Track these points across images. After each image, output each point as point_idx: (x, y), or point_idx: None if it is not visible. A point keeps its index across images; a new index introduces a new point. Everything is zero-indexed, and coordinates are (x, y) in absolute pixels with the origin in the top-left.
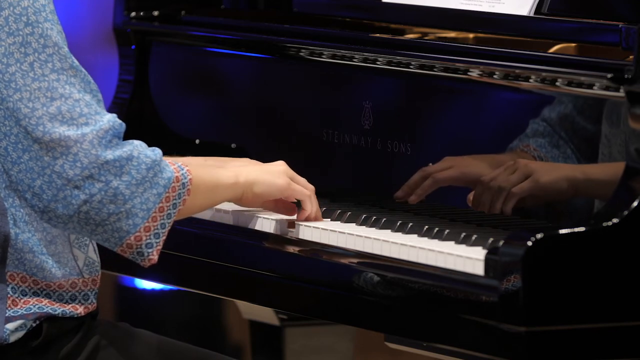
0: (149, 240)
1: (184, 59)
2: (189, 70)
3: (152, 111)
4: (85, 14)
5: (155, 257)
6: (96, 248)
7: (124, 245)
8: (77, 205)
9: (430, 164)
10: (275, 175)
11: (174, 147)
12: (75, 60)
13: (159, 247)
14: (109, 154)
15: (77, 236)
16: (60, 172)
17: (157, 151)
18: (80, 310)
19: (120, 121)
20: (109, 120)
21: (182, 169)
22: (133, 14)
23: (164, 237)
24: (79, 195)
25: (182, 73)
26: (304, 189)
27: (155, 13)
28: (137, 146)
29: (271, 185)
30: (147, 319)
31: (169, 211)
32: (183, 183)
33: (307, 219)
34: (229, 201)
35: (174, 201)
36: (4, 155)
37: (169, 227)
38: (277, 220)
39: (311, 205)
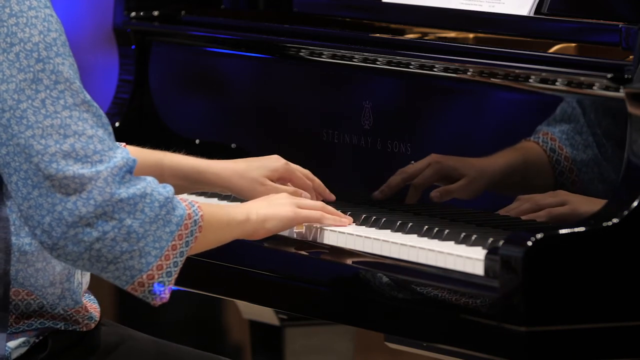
0: (161, 279)
1: (184, 59)
2: (189, 70)
3: (152, 111)
4: (85, 14)
5: (167, 296)
6: None
7: (135, 284)
8: (89, 243)
9: (412, 162)
10: (283, 207)
11: (174, 147)
12: (88, 95)
13: (171, 285)
14: (123, 192)
15: None
16: (72, 210)
17: (169, 188)
18: (82, 326)
19: (132, 157)
20: (123, 157)
21: (193, 206)
22: (133, 14)
23: (176, 276)
24: (91, 232)
25: (182, 73)
26: (313, 212)
27: (155, 13)
28: (149, 183)
29: (282, 219)
30: (147, 319)
31: (181, 249)
32: (195, 220)
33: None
34: (240, 238)
35: (187, 239)
36: (15, 190)
37: (181, 266)
38: None
39: (329, 219)
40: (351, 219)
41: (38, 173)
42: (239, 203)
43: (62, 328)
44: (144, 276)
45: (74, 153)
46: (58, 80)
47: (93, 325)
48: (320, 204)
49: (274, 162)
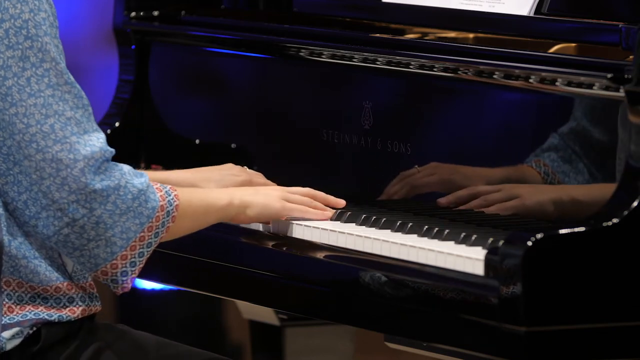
0: (124, 269)
1: (184, 59)
2: (189, 70)
3: (152, 111)
4: (85, 14)
5: (128, 286)
6: None
7: (99, 272)
8: (59, 227)
9: (417, 166)
10: (269, 198)
11: (174, 147)
12: (71, 76)
13: (134, 276)
14: (97, 183)
15: None
16: (46, 192)
17: (145, 178)
18: (77, 312)
19: (110, 148)
20: (101, 147)
21: (169, 195)
22: (133, 14)
23: (141, 265)
24: (62, 217)
25: (182, 73)
26: (299, 207)
27: (155, 13)
28: (125, 174)
29: (265, 207)
30: (147, 319)
31: (149, 240)
32: (168, 211)
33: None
34: (222, 221)
35: (156, 230)
36: None
37: (148, 255)
38: (276, 220)
39: (315, 214)
40: (329, 213)
41: (19, 151)
42: (223, 189)
43: (56, 320)
44: (108, 265)
45: (53, 134)
46: (44, 59)
47: (88, 310)
48: (307, 199)
49: (237, 173)
